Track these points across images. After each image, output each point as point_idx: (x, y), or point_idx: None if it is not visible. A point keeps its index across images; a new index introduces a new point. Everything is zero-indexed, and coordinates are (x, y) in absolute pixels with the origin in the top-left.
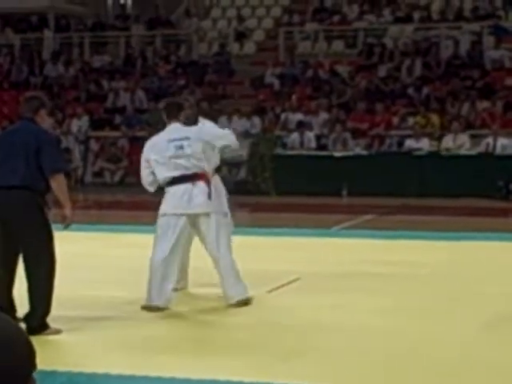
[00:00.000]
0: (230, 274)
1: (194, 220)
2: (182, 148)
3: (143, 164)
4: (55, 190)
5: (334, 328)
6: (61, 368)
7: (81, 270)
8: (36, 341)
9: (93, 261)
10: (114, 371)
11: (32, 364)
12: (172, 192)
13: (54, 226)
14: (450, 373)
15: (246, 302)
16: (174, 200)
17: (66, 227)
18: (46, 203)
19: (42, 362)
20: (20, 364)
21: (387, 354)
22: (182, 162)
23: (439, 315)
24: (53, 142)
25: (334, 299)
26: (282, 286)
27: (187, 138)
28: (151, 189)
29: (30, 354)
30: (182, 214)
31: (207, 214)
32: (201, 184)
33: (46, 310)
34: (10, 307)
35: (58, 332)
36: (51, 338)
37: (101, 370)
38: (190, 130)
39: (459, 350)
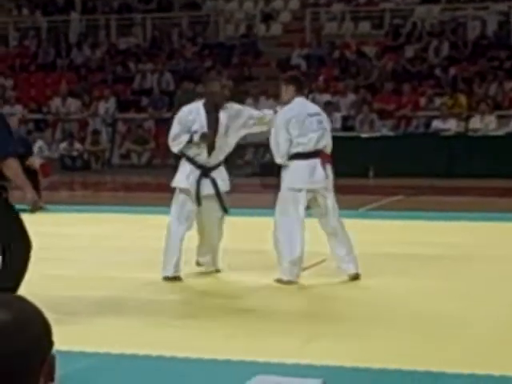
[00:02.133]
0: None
1: (315, 195)
2: (321, 123)
3: (283, 136)
4: (10, 176)
5: (358, 313)
6: (88, 349)
7: (108, 251)
8: (63, 321)
9: (120, 242)
10: (141, 352)
11: (49, 342)
12: (303, 165)
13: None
14: (488, 352)
15: (356, 277)
16: (304, 174)
17: (34, 211)
18: (5, 188)
19: (67, 343)
20: (37, 343)
21: (425, 334)
22: (320, 136)
23: (473, 296)
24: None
25: (362, 281)
26: (309, 267)
27: (320, 114)
28: (283, 160)
29: (47, 332)
30: (310, 189)
31: (328, 189)
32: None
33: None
34: None
35: None
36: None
37: (128, 351)
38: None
39: (496, 329)
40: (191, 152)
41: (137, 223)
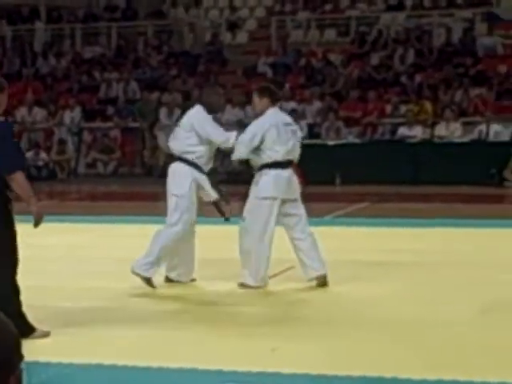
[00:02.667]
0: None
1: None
2: (294, 133)
3: (257, 139)
4: (16, 189)
5: (327, 318)
6: (60, 359)
7: (77, 261)
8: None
9: (92, 252)
10: (120, 362)
11: (19, 354)
12: (275, 175)
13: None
14: (448, 353)
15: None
16: (282, 183)
17: (37, 225)
18: (9, 200)
19: (40, 353)
20: (6, 356)
21: (393, 339)
22: (293, 147)
23: (435, 301)
24: (6, 136)
25: (330, 287)
26: (276, 274)
27: (293, 124)
28: (244, 155)
29: (17, 346)
30: (285, 199)
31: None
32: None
33: (17, 309)
34: None
35: (45, 335)
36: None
37: (101, 361)
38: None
39: (457, 332)
40: None
41: (105, 232)
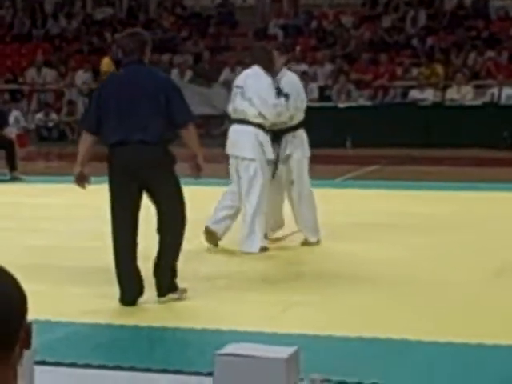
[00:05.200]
0: None
1: None
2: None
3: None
4: (188, 141)
5: (343, 277)
6: (63, 319)
7: (84, 221)
8: (38, 291)
9: (96, 212)
10: (116, 321)
11: (24, 309)
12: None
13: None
14: (458, 315)
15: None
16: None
17: (198, 178)
18: (175, 158)
19: (42, 312)
20: (14, 309)
21: (401, 301)
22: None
23: (445, 263)
24: (179, 90)
25: (342, 249)
26: (287, 236)
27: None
28: None
29: (23, 299)
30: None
31: None
32: None
33: (174, 266)
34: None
35: (184, 292)
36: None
37: (102, 321)
38: None
39: (471, 293)
40: None
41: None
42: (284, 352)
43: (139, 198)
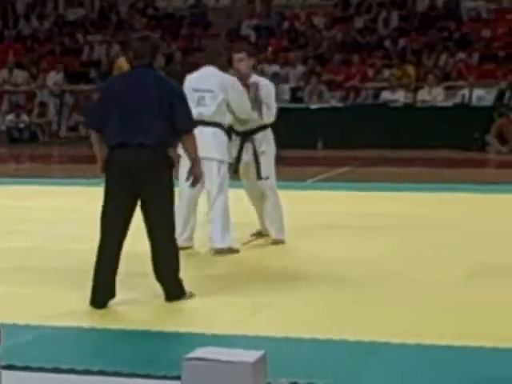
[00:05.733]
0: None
1: None
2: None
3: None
4: (187, 148)
5: (311, 278)
6: (34, 322)
7: (60, 223)
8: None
9: (72, 214)
10: (85, 324)
11: None
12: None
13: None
14: (428, 315)
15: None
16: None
17: (193, 185)
18: (173, 162)
19: (14, 316)
20: None
21: (370, 300)
22: None
23: (419, 264)
24: (184, 96)
25: (309, 249)
26: (256, 238)
27: None
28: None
29: None
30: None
31: None
32: None
33: (177, 267)
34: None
35: (192, 296)
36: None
37: (71, 323)
38: None
39: (442, 294)
40: None
41: (86, 195)
42: (251, 356)
43: (134, 202)
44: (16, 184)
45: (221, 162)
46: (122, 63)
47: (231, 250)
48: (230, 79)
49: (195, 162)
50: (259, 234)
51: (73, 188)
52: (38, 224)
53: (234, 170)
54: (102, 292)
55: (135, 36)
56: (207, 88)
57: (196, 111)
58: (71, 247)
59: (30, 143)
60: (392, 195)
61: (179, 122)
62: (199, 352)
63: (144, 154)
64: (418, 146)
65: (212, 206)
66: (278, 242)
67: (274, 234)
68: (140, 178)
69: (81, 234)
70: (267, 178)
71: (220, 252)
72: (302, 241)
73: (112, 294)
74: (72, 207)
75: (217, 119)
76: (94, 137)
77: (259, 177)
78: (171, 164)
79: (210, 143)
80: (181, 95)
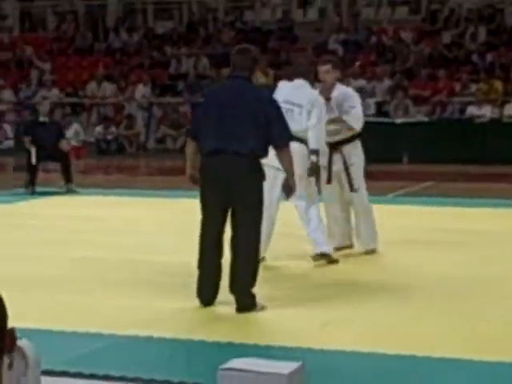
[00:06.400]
0: None
1: None
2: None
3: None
4: (283, 162)
5: (390, 293)
6: (103, 331)
7: (141, 234)
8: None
9: (153, 226)
10: (158, 334)
11: (4, 315)
12: None
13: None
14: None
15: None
16: None
17: (288, 197)
18: (264, 173)
19: (85, 325)
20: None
21: (449, 314)
22: None
23: (498, 279)
24: (281, 111)
25: (390, 266)
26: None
27: None
28: None
29: (2, 306)
30: None
31: None
32: None
33: (253, 282)
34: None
35: (263, 308)
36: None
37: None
38: None
39: None
40: None
41: (171, 207)
42: (287, 368)
43: (227, 208)
44: (101, 195)
45: (300, 176)
46: (258, 75)
47: (331, 260)
48: (316, 96)
49: (290, 175)
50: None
51: (158, 199)
52: (116, 234)
53: (328, 179)
54: (208, 290)
55: (236, 48)
56: (297, 102)
57: None
58: (146, 258)
59: (118, 155)
60: (473, 211)
61: (275, 136)
62: (235, 362)
63: (237, 162)
64: (502, 161)
65: (307, 219)
66: (369, 252)
67: (362, 245)
68: (231, 185)
69: (157, 245)
70: (356, 190)
71: (322, 257)
72: (382, 254)
73: (217, 290)
74: (153, 218)
75: (300, 134)
76: (189, 144)
77: (351, 188)
78: (262, 174)
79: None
80: (278, 109)
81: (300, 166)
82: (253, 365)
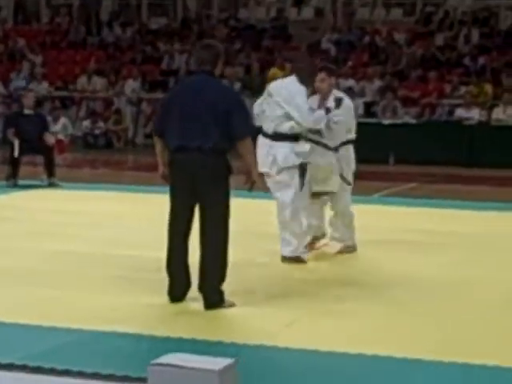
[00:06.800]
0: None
1: None
2: None
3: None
4: (243, 154)
5: (360, 292)
6: (73, 325)
7: (122, 229)
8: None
9: (136, 221)
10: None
11: None
12: None
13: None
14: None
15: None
16: None
17: (250, 190)
18: (231, 167)
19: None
20: None
21: (426, 316)
22: None
23: (481, 283)
24: (242, 103)
25: (367, 265)
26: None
27: None
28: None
29: None
30: None
31: None
32: None
33: (221, 279)
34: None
35: (232, 305)
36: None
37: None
38: None
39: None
40: None
41: (156, 202)
42: (219, 364)
43: (195, 204)
44: (85, 189)
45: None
46: (276, 72)
47: (298, 260)
48: (298, 97)
49: (252, 166)
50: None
51: (143, 195)
52: (97, 228)
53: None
54: (178, 287)
55: (200, 44)
56: (276, 95)
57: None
58: (125, 253)
59: (106, 150)
60: (455, 213)
61: (235, 128)
62: (167, 358)
63: (201, 158)
64: (490, 164)
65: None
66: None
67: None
68: (197, 182)
69: (137, 240)
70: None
71: (287, 260)
72: (360, 254)
73: (188, 286)
74: (137, 213)
75: (279, 129)
76: (156, 142)
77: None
78: (228, 170)
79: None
80: (238, 101)
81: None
82: (184, 360)
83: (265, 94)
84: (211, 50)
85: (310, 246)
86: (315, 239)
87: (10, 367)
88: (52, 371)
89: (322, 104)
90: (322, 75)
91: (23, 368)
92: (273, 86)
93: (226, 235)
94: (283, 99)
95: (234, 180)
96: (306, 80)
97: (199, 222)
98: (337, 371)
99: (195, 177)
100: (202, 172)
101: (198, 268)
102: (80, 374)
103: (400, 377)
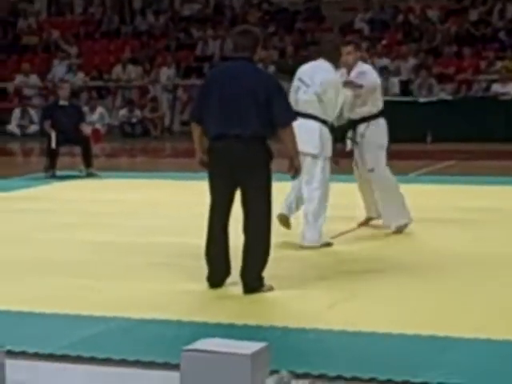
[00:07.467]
0: None
1: None
2: None
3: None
4: (286, 141)
5: (406, 272)
6: (108, 314)
7: (159, 217)
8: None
9: (174, 209)
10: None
11: None
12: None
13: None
14: None
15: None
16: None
17: (294, 177)
18: (272, 153)
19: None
20: None
21: (464, 295)
22: None
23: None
24: (283, 90)
25: (406, 244)
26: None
27: None
28: None
29: None
30: None
31: None
32: None
33: (263, 265)
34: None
35: (270, 289)
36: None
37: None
38: None
39: None
40: None
41: (194, 189)
42: (251, 348)
43: (234, 192)
44: (123, 178)
45: (314, 156)
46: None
47: (322, 245)
48: (332, 80)
49: (294, 154)
50: (367, 220)
51: (181, 182)
52: (133, 217)
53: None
54: (217, 274)
55: (236, 30)
56: (307, 81)
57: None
58: (164, 241)
59: (143, 138)
60: (494, 189)
61: (278, 116)
62: (199, 343)
63: (240, 146)
64: None
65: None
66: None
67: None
68: (236, 171)
69: (176, 228)
70: (372, 169)
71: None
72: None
73: (227, 273)
74: (175, 201)
75: (310, 111)
76: (194, 128)
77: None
78: (269, 156)
79: (304, 137)
80: (279, 88)
81: (307, 143)
82: (217, 345)
83: (295, 80)
84: (249, 36)
85: (362, 224)
86: (368, 219)
87: (50, 357)
88: (92, 360)
89: (345, 77)
90: (348, 48)
91: (64, 358)
92: (303, 71)
93: (269, 221)
94: (319, 83)
95: (276, 164)
96: (332, 58)
97: (242, 208)
98: (379, 352)
99: (235, 165)
100: (242, 160)
101: (242, 254)
102: (121, 362)
103: (441, 355)
